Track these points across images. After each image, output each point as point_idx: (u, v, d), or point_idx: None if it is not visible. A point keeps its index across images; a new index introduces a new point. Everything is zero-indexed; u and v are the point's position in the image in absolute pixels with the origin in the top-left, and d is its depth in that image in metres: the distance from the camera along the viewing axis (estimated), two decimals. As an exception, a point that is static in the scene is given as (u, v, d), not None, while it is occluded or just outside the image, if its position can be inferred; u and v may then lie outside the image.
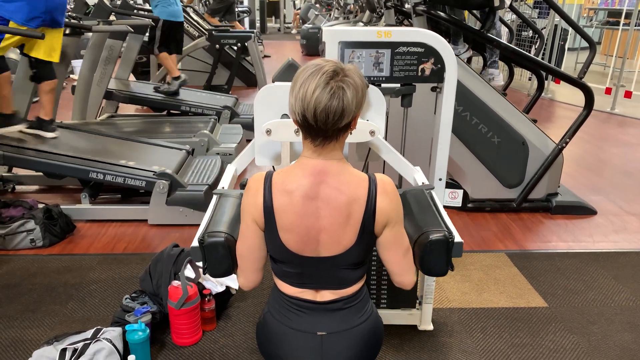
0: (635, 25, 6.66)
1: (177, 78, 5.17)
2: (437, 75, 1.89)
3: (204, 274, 1.29)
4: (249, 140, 4.90)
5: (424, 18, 3.34)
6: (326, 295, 1.29)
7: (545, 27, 7.82)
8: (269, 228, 1.21)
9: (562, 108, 6.90)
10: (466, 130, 3.29)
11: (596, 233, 3.26)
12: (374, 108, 1.76)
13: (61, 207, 3.02)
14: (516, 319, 2.35)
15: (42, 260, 2.73)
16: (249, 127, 4.87)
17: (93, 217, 3.17)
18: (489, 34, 3.17)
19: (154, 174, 3.12)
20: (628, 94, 6.63)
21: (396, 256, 1.26)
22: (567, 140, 3.43)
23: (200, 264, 1.33)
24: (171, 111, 5.27)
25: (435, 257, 1.28)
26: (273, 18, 18.29)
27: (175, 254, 2.26)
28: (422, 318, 2.25)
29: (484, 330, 2.27)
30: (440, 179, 2.04)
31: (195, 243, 1.31)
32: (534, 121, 3.54)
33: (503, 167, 3.42)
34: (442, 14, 3.15)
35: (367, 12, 7.45)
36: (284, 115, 1.70)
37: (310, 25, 11.76)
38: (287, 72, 1.89)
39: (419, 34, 1.84)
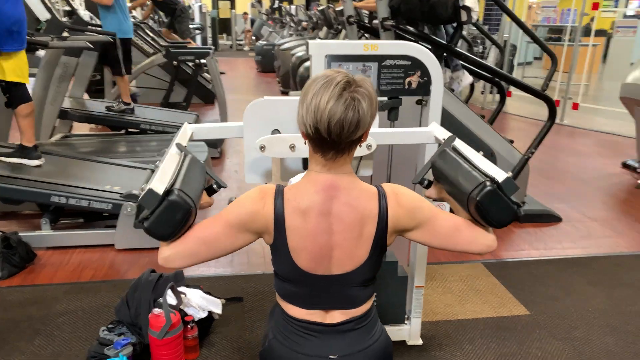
0: (571, 41, 7.04)
1: (127, 104, 4.99)
2: (424, 88, 1.89)
3: (139, 222, 1.12)
4: (214, 158, 4.82)
5: (392, 33, 3.37)
6: (336, 317, 1.24)
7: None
8: (278, 245, 1.16)
9: (513, 120, 7.17)
10: (437, 142, 3.32)
11: (565, 240, 3.36)
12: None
13: (20, 234, 2.81)
14: (501, 329, 2.36)
15: (2, 293, 2.51)
16: (212, 144, 4.76)
17: (55, 244, 2.97)
18: (455, 47, 3.24)
19: (120, 196, 2.96)
20: (575, 106, 6.97)
21: (450, 239, 1.22)
22: (533, 150, 3.52)
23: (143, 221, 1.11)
24: (129, 130, 5.07)
25: (495, 210, 1.17)
26: (225, 35, 18.19)
27: (153, 280, 2.13)
28: (411, 333, 2.22)
29: (472, 342, 2.26)
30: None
31: (156, 187, 1.10)
32: (511, 142, 3.63)
33: (473, 178, 3.47)
34: (410, 28, 3.19)
35: (325, 29, 7.51)
36: (275, 131, 1.64)
37: (265, 42, 11.76)
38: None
39: (405, 46, 1.83)
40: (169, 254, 1.16)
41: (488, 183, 1.18)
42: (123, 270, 2.79)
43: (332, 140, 1.07)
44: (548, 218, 3.66)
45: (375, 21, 3.56)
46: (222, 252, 1.19)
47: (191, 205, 1.13)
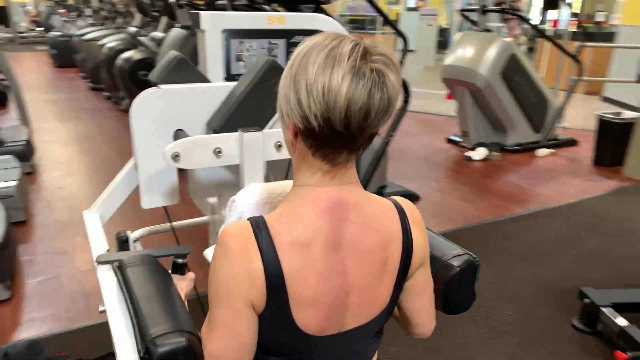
0: (376, 30, 7.55)
1: None
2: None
3: None
4: (27, 174, 3.86)
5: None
6: (337, 382, 0.91)
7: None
8: (274, 306, 0.77)
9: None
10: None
11: (430, 217, 3.46)
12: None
13: None
14: (414, 321, 2.27)
15: None
16: (22, 157, 3.81)
17: None
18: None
19: None
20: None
21: (426, 301, 0.96)
22: (392, 134, 3.54)
23: None
24: None
25: (465, 288, 1.01)
26: (3, 27, 15.34)
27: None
28: None
29: (395, 343, 2.12)
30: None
31: (127, 357, 0.76)
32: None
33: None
34: (267, 7, 2.89)
35: (139, 16, 6.71)
36: (179, 132, 1.21)
37: (60, 33, 10.17)
38: (179, 71, 1.36)
39: (316, 19, 1.53)
40: None
41: (471, 256, 1.02)
42: None
43: (350, 135, 0.72)
44: (409, 198, 3.73)
45: (221, 1, 3.17)
46: (246, 352, 0.81)
47: (183, 336, 0.79)
